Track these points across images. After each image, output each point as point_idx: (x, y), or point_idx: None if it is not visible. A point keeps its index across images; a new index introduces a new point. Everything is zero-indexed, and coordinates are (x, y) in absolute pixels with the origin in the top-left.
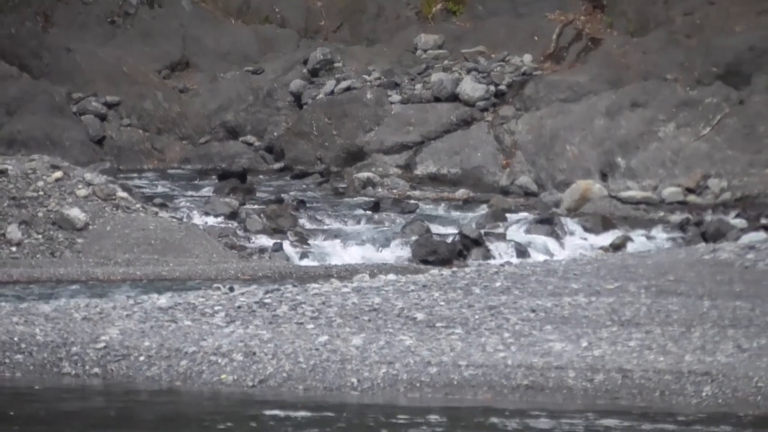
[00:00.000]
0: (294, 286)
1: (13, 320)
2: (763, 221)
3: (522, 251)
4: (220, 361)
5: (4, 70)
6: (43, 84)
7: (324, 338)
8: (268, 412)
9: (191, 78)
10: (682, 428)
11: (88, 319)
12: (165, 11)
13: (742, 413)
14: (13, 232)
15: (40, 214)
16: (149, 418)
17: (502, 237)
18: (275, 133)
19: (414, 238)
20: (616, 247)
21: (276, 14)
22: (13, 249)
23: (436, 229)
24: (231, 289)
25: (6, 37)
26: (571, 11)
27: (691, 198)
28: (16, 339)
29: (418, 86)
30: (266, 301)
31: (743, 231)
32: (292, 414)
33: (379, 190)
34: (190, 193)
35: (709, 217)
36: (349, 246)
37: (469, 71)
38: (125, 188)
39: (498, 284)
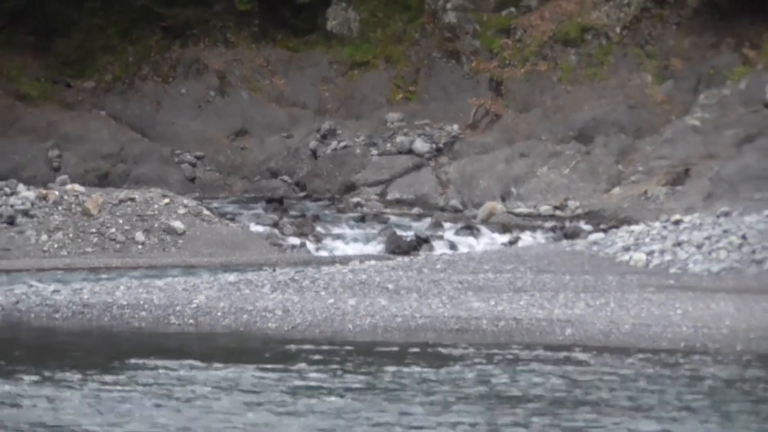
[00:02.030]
0: (313, 268)
1: (140, 291)
2: (602, 226)
3: (453, 246)
4: (267, 315)
5: (132, 137)
6: (156, 145)
7: (331, 300)
8: (297, 347)
9: (248, 141)
10: (552, 353)
11: (186, 290)
12: (231, 99)
13: (589, 344)
14: (139, 236)
15: (156, 225)
16: (224, 350)
17: (440, 237)
18: (300, 174)
19: (386, 238)
20: (511, 243)
21: (300, 101)
22: (139, 247)
23: (400, 232)
24: (274, 270)
25: (134, 117)
26: (482, 97)
27: (558, 212)
28: (141, 302)
29: (388, 145)
30: (296, 278)
31: (589, 233)
32: (313, 347)
33: (365, 209)
34: (248, 211)
35: (568, 224)
36: (346, 243)
37: (419, 135)
38: (208, 208)
39: (438, 266)
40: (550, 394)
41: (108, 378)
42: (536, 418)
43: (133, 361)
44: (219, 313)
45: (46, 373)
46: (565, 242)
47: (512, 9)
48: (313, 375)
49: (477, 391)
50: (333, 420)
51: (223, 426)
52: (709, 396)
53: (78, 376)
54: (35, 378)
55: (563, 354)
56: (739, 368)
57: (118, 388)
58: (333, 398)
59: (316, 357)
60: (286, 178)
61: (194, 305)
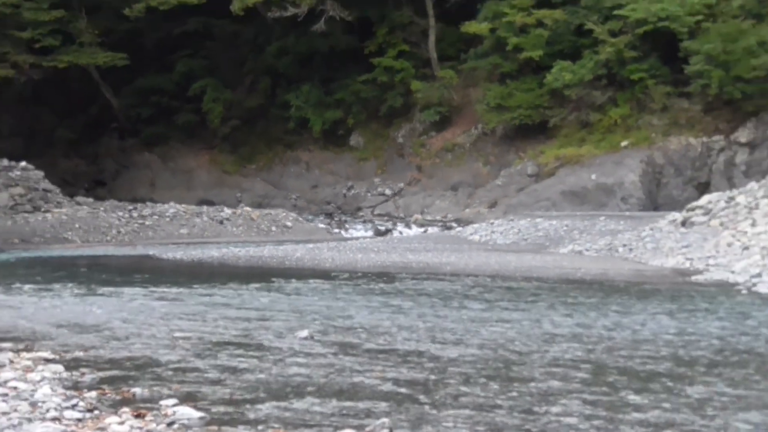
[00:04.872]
0: (342, 242)
1: (273, 250)
2: (461, 225)
3: (401, 233)
4: (325, 260)
5: (271, 188)
6: (281, 191)
7: (351, 255)
8: (336, 273)
9: (318, 190)
10: (441, 277)
11: (292, 250)
12: (311, 173)
13: (457, 274)
14: (273, 228)
15: (280, 223)
16: (309, 275)
17: (396, 229)
18: (338, 203)
19: (373, 229)
20: (425, 232)
21: (338, 173)
22: (272, 233)
23: (379, 226)
24: (327, 243)
25: (272, 180)
26: (414, 173)
27: (443, 219)
28: (273, 255)
29: (375, 191)
30: (337, 246)
31: (457, 227)
32: (342, 274)
33: (365, 218)
34: (317, 218)
35: (450, 224)
36: (357, 231)
37: (387, 187)
38: (301, 217)
39: (395, 241)
40: (438, 292)
41: (259, 286)
42: (434, 300)
43: (272, 279)
44: (306, 260)
45: (235, 285)
46: (446, 232)
47: (425, 136)
48: (347, 286)
49: (409, 291)
50: (354, 298)
51: (324, 305)
52: (507, 293)
53: (248, 286)
54: (233, 286)
55: (446, 277)
56: (517, 283)
57: (268, 290)
58: (353, 292)
59: (345, 278)
60: (333, 204)
61: (296, 256)
